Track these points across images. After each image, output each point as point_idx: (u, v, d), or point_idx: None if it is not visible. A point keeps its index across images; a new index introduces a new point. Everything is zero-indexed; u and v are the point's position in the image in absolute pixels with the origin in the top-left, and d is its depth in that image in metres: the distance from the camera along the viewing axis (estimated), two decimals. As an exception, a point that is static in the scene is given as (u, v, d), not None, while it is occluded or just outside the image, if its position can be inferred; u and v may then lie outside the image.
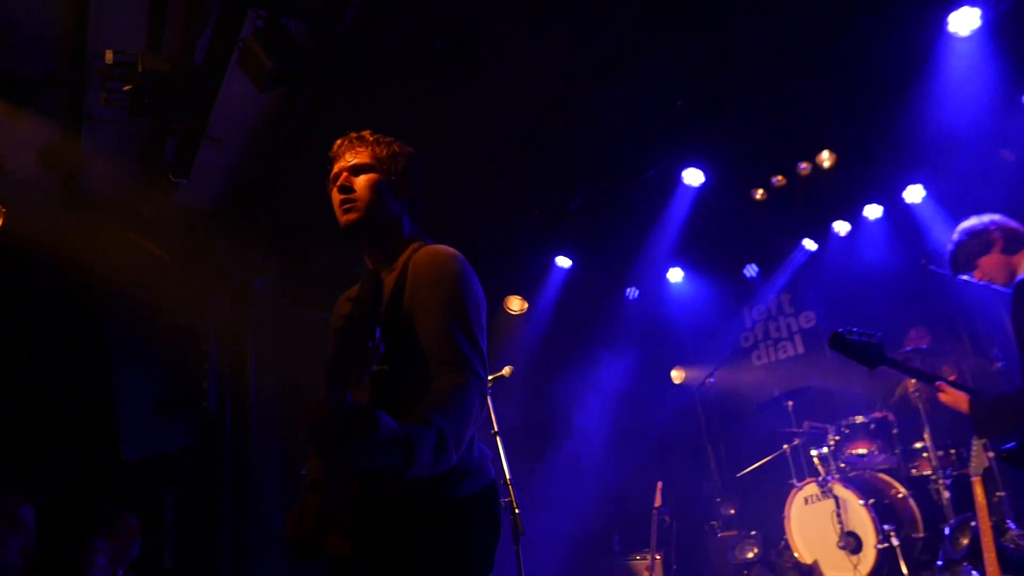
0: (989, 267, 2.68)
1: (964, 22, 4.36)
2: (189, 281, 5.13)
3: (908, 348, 4.85)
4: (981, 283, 2.74)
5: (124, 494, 4.67)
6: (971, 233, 2.73)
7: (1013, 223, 2.71)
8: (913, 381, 4.95)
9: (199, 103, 3.83)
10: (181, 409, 5.22)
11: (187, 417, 5.23)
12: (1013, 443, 2.52)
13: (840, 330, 2.75)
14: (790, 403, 5.61)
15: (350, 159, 1.85)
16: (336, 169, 1.86)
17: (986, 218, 2.75)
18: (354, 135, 1.90)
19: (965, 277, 2.73)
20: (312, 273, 5.74)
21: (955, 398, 2.63)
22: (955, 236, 2.79)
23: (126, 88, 3.41)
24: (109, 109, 3.72)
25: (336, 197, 1.84)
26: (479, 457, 1.72)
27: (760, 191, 6.41)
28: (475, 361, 1.61)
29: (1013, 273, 2.63)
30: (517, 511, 3.07)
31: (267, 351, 5.55)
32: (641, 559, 5.52)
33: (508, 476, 3.16)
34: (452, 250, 1.79)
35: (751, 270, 7.10)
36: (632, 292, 7.55)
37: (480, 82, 4.53)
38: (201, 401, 5.36)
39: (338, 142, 1.90)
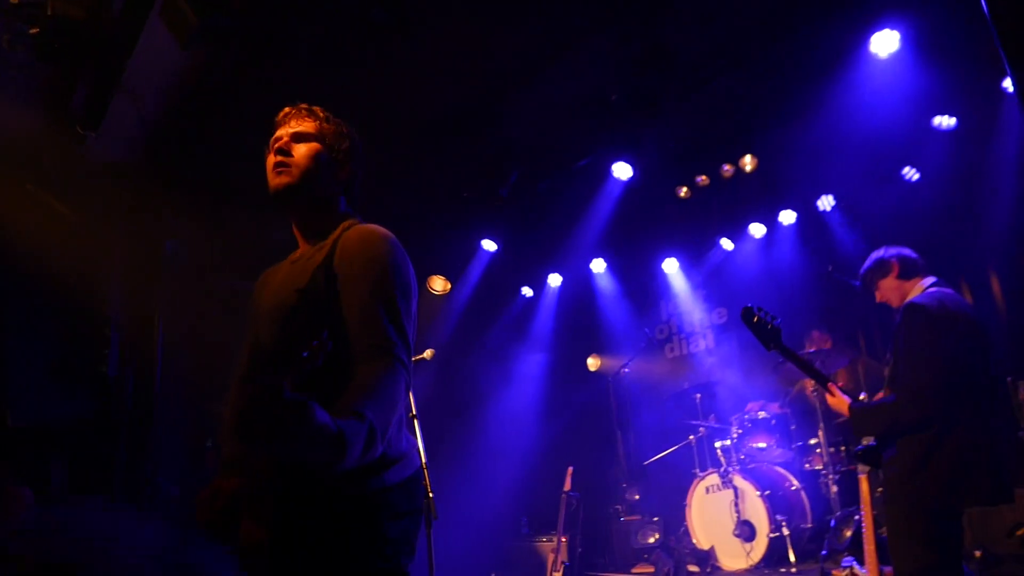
0: (886, 290, 3.09)
1: (885, 44, 4.59)
2: (94, 241, 4.84)
3: (811, 350, 5.10)
4: (880, 303, 3.15)
5: (10, 462, 4.39)
6: (875, 260, 3.12)
7: (913, 254, 3.10)
8: (811, 381, 5.27)
9: (114, 54, 3.58)
10: (78, 375, 4.93)
11: (85, 383, 4.96)
12: (869, 444, 2.86)
13: (750, 305, 3.09)
14: (698, 396, 5.83)
15: (294, 126, 1.79)
16: (277, 134, 1.79)
17: (893, 249, 3.14)
18: (304, 106, 1.83)
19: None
20: (227, 239, 5.51)
21: (839, 402, 2.97)
22: (866, 262, 3.17)
23: (33, 31, 3.16)
24: (14, 53, 3.43)
25: (271, 160, 1.76)
26: (406, 445, 1.69)
27: (684, 189, 6.59)
28: (401, 348, 1.56)
29: (904, 296, 3.01)
30: (431, 495, 3.07)
31: (175, 317, 5.31)
32: (547, 541, 5.64)
33: (424, 460, 3.15)
34: (385, 231, 1.73)
35: (670, 265, 7.31)
36: (526, 291, 7.67)
37: (415, 58, 4.43)
38: (100, 367, 5.08)
39: (286, 110, 1.83)
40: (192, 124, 4.60)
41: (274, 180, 1.74)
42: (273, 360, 1.34)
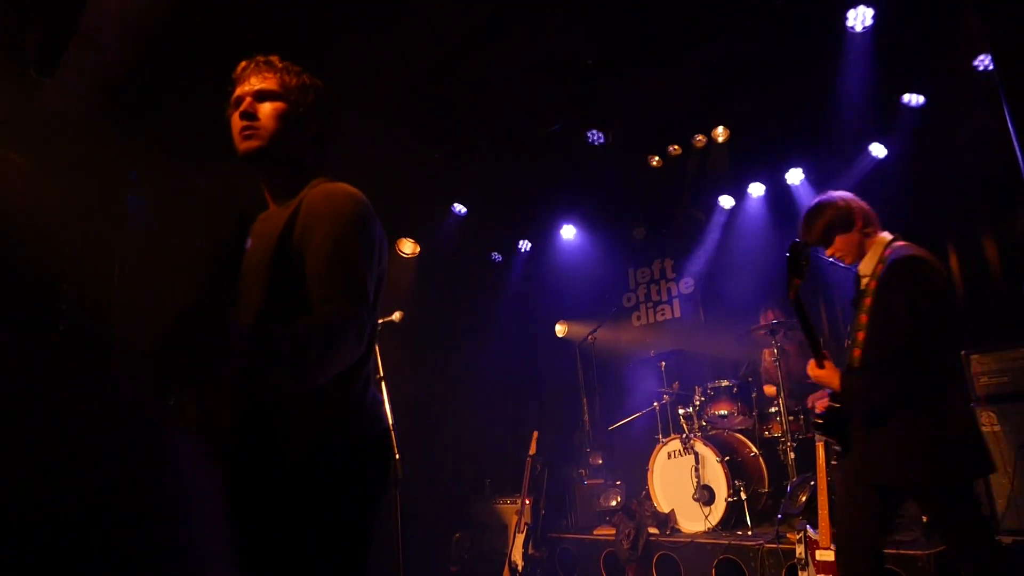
0: (843, 245, 2.67)
1: (859, 19, 4.61)
2: (49, 193, 4.67)
3: (774, 321, 5.18)
4: (828, 259, 2.72)
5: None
6: (837, 208, 2.68)
7: (866, 204, 2.74)
8: (770, 351, 5.38)
9: (71, -5, 3.42)
10: (30, 331, 4.80)
11: (38, 342, 4.82)
12: (833, 412, 2.60)
13: (799, 241, 2.62)
14: (663, 363, 5.92)
15: (255, 83, 1.72)
16: (238, 93, 1.73)
17: (847, 195, 2.75)
18: (261, 58, 1.76)
19: (818, 250, 2.68)
20: (192, 196, 5.37)
21: (829, 373, 2.60)
22: (818, 208, 2.71)
23: (-17, -34, 2.99)
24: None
25: (237, 123, 1.71)
26: (371, 403, 1.68)
27: (656, 158, 6.60)
28: (357, 299, 1.54)
29: (862, 253, 2.68)
30: (398, 456, 3.09)
31: (135, 275, 5.18)
32: (512, 503, 5.72)
33: (391, 421, 3.16)
34: (351, 189, 1.70)
35: (639, 233, 7.35)
36: (495, 256, 7.66)
37: (386, 17, 4.33)
38: (56, 325, 4.94)
39: (242, 64, 1.75)
40: (156, 74, 4.44)
41: (242, 144, 1.70)
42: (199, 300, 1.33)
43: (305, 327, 1.45)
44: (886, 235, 2.71)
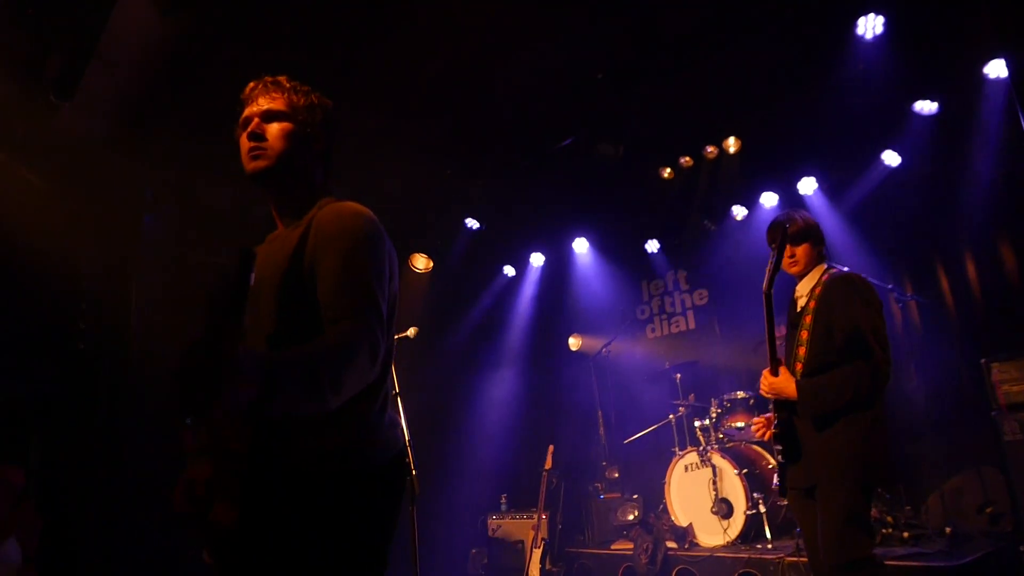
0: (804, 256, 2.92)
1: (870, 27, 4.60)
2: (67, 213, 4.73)
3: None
4: (777, 264, 2.78)
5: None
6: (807, 222, 2.94)
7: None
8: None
9: (89, 19, 3.48)
10: (48, 350, 4.84)
11: (56, 359, 4.86)
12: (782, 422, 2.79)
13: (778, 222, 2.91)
14: (678, 376, 5.88)
15: (263, 104, 1.73)
16: (247, 113, 1.74)
17: (803, 212, 3.02)
18: (269, 79, 1.77)
19: (773, 248, 2.78)
20: (206, 215, 5.43)
21: (784, 381, 2.78)
22: (794, 217, 2.94)
23: (5, -6, 3.05)
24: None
25: (245, 144, 1.72)
26: (389, 425, 1.67)
27: (668, 170, 6.60)
28: (369, 315, 1.52)
29: (807, 271, 2.94)
30: (415, 473, 3.08)
31: (153, 294, 5.23)
32: (528, 518, 5.69)
33: (408, 438, 3.16)
34: (361, 208, 1.69)
35: (652, 245, 7.34)
36: (508, 271, 7.67)
37: (400, 31, 4.37)
38: (76, 343, 4.99)
39: (251, 84, 1.77)
40: (170, 96, 4.50)
41: (250, 164, 1.71)
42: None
43: (317, 348, 1.42)
44: (824, 264, 2.96)
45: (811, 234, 2.93)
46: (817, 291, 2.85)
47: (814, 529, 2.67)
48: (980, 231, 5.23)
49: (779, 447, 2.78)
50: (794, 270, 2.95)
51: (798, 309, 2.94)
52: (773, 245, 2.76)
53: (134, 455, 4.95)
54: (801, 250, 2.92)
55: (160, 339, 5.20)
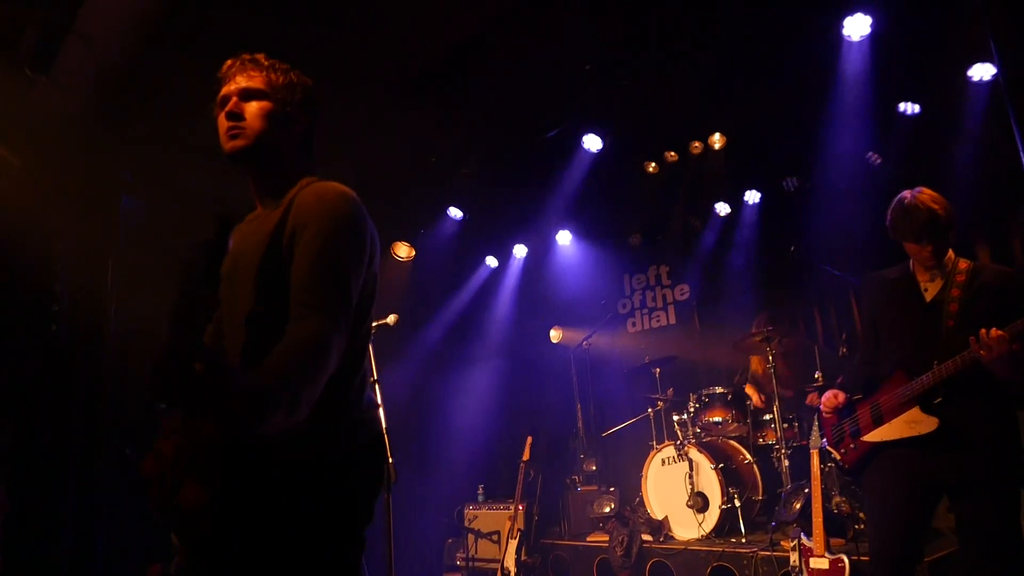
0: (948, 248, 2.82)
1: (857, 27, 4.61)
2: (42, 192, 4.63)
3: (768, 328, 5.16)
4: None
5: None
6: (951, 209, 2.74)
7: None
8: (758, 359, 5.50)
9: (66, -8, 3.40)
10: (22, 332, 4.74)
11: (30, 341, 4.77)
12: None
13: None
14: (657, 370, 5.90)
15: (241, 82, 1.70)
16: (224, 92, 1.71)
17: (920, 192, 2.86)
18: (247, 56, 1.74)
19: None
20: (186, 196, 5.34)
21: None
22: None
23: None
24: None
25: (223, 123, 1.69)
26: (367, 407, 1.65)
27: (653, 164, 6.60)
28: (339, 307, 1.50)
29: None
30: (391, 460, 3.06)
31: (131, 275, 5.14)
32: (505, 509, 5.69)
33: (384, 424, 3.13)
34: (343, 188, 1.66)
35: (635, 239, 7.34)
36: (490, 261, 7.65)
37: (385, 13, 4.31)
38: (49, 325, 4.90)
39: (228, 63, 1.74)
40: (151, 73, 4.41)
41: (228, 144, 1.68)
42: (181, 317, 1.31)
43: (291, 364, 1.38)
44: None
45: (951, 230, 2.81)
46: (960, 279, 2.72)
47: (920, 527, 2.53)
48: (959, 233, 5.27)
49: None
50: (931, 265, 2.82)
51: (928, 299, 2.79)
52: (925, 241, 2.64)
53: (109, 439, 4.89)
54: (945, 249, 2.80)
55: (137, 322, 5.12)
